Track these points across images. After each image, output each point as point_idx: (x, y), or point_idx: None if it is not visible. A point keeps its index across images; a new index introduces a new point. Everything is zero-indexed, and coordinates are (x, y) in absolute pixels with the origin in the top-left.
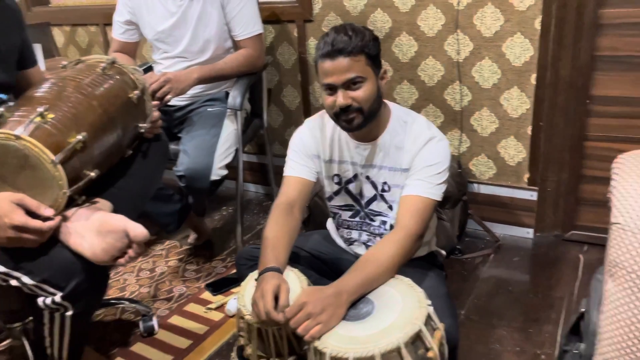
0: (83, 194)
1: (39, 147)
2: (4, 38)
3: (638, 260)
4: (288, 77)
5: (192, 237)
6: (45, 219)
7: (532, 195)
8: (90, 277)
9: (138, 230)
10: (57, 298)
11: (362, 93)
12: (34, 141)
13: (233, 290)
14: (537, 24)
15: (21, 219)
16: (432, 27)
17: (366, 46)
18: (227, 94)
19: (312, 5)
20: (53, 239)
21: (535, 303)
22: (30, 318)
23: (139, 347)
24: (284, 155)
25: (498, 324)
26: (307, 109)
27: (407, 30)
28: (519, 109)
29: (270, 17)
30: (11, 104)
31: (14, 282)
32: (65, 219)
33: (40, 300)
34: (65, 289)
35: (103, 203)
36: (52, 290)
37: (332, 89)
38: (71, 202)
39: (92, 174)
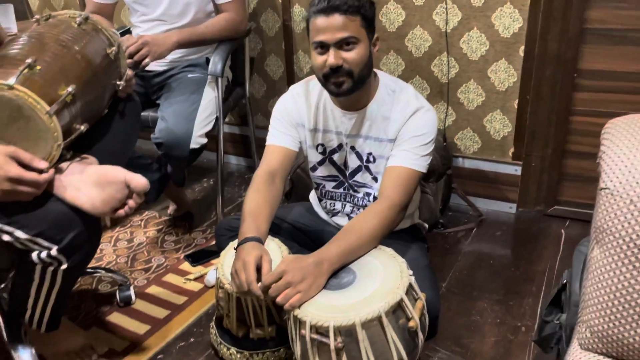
0: (70, 150)
1: (34, 97)
2: None
3: (626, 226)
4: (271, 46)
5: (171, 208)
6: (40, 171)
7: (516, 170)
8: (87, 229)
9: (138, 180)
10: (53, 251)
11: (354, 55)
12: (29, 91)
13: (213, 261)
14: None
15: (17, 170)
16: None
17: (363, 7)
18: (207, 60)
19: None
20: (47, 192)
21: (517, 276)
22: (2, 286)
23: (115, 317)
24: (266, 127)
25: (479, 297)
26: (291, 79)
27: None
28: (506, 82)
29: None
30: None
31: (5, 237)
32: (59, 171)
33: (34, 255)
34: (62, 241)
35: (91, 159)
36: (46, 244)
37: (323, 47)
38: (60, 157)
39: (82, 127)
